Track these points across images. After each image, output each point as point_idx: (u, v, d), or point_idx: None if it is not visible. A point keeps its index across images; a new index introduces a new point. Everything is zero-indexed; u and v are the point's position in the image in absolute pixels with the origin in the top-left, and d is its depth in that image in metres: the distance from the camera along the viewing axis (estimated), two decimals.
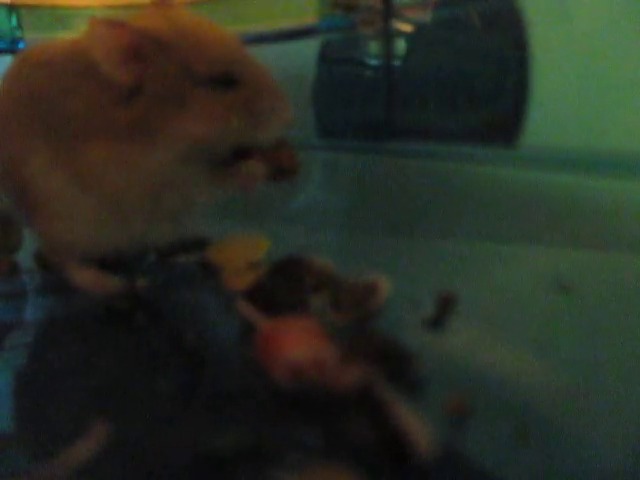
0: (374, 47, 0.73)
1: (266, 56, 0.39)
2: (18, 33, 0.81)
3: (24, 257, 0.45)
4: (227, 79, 0.36)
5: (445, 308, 0.35)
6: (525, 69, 0.60)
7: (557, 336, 0.32)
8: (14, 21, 0.81)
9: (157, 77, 0.35)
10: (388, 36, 0.71)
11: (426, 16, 0.68)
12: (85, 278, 0.40)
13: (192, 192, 0.38)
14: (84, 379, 0.30)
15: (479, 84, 0.63)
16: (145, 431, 0.26)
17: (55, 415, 0.27)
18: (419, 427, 0.24)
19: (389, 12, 0.70)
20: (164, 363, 0.32)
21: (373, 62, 0.74)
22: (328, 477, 0.22)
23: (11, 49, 0.81)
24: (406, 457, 0.23)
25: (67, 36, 0.40)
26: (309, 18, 0.76)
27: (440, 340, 0.33)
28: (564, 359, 0.30)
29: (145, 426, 0.26)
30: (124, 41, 0.34)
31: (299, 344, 0.28)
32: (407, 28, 0.71)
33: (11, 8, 0.80)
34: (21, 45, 0.81)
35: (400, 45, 0.71)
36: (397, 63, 0.71)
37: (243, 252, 0.41)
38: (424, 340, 0.33)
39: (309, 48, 0.74)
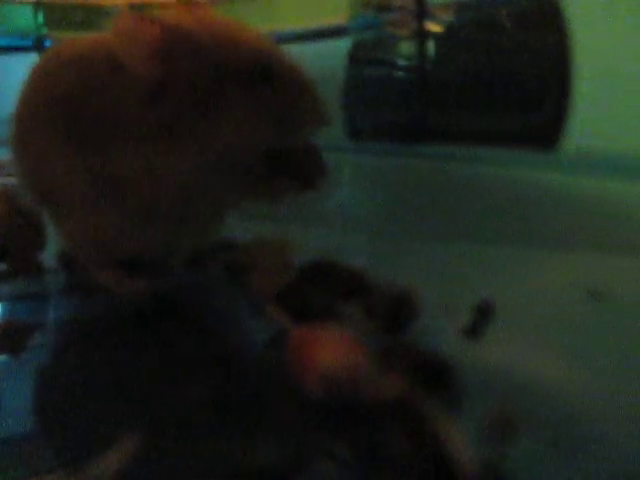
0: (405, 47, 0.73)
1: (295, 56, 0.38)
2: (44, 31, 0.82)
3: (48, 257, 0.45)
4: (260, 77, 0.34)
5: (483, 316, 0.34)
6: (567, 70, 0.59)
7: (595, 344, 0.32)
8: (40, 19, 0.81)
9: (186, 75, 0.34)
10: (421, 37, 0.70)
11: (460, 16, 0.68)
12: (110, 279, 0.39)
13: (221, 200, 0.37)
14: (109, 381, 0.30)
15: (517, 86, 0.62)
16: (171, 439, 0.25)
17: (78, 417, 0.27)
18: (462, 443, 0.23)
19: (422, 12, 0.69)
20: (191, 368, 0.31)
21: (404, 63, 0.73)
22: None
23: (37, 47, 0.81)
24: (449, 475, 0.22)
25: (93, 34, 0.39)
26: (339, 17, 0.75)
27: (477, 349, 0.32)
28: (603, 367, 0.30)
29: (172, 433, 0.26)
30: (152, 36, 0.33)
31: (333, 353, 0.27)
32: (440, 28, 0.70)
33: (37, 6, 0.81)
34: (47, 43, 0.82)
35: (432, 46, 0.70)
36: (429, 64, 0.71)
37: (272, 255, 0.40)
38: (460, 349, 0.32)
39: (339, 48, 0.73)
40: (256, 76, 0.34)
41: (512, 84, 0.63)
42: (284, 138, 0.36)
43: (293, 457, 0.24)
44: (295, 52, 0.36)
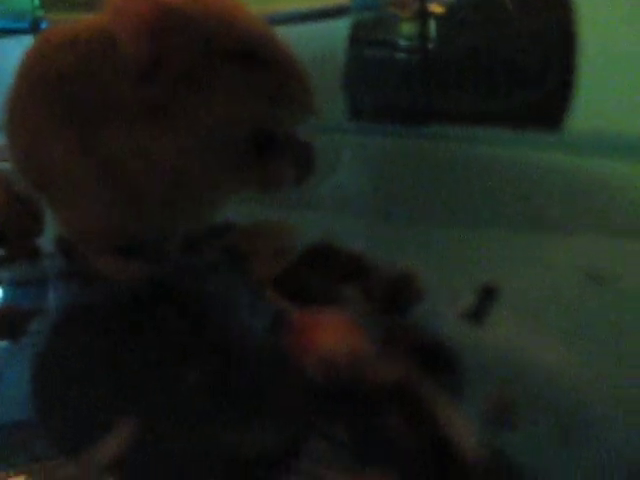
0: (406, 28, 0.72)
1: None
2: (40, 13, 0.80)
3: (45, 242, 0.45)
4: (253, 57, 0.34)
5: (487, 300, 0.34)
6: (571, 49, 0.58)
7: (596, 327, 0.32)
8: (36, 0, 0.80)
9: (179, 52, 0.33)
10: (423, 17, 0.69)
11: None
12: (108, 264, 0.39)
13: (216, 184, 0.37)
14: (106, 367, 0.30)
15: (520, 65, 0.62)
16: (169, 425, 0.25)
17: (77, 403, 0.27)
18: (463, 427, 0.23)
19: None
20: (189, 354, 0.31)
21: (405, 43, 0.72)
22: None
23: (33, 29, 0.80)
24: (450, 460, 0.22)
25: (89, 15, 0.38)
26: None
27: (479, 332, 0.32)
28: (603, 351, 0.30)
29: (169, 419, 0.26)
30: (145, 12, 0.33)
31: (333, 336, 0.27)
32: (441, 9, 0.69)
33: None
34: (43, 25, 0.81)
35: (434, 26, 0.69)
36: (431, 44, 0.70)
37: (271, 238, 0.40)
38: (460, 332, 0.32)
39: (340, 28, 0.72)
40: (245, 53, 0.34)
41: (515, 64, 0.62)
42: (273, 117, 0.35)
43: (291, 442, 0.24)
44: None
